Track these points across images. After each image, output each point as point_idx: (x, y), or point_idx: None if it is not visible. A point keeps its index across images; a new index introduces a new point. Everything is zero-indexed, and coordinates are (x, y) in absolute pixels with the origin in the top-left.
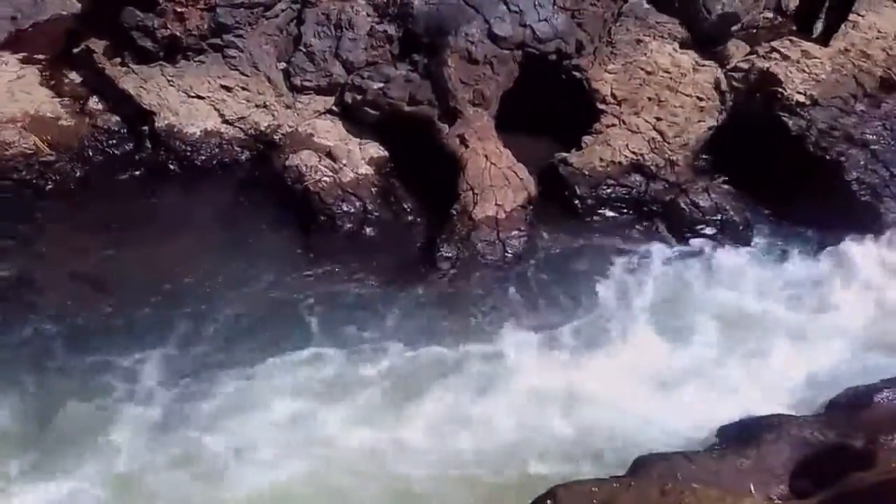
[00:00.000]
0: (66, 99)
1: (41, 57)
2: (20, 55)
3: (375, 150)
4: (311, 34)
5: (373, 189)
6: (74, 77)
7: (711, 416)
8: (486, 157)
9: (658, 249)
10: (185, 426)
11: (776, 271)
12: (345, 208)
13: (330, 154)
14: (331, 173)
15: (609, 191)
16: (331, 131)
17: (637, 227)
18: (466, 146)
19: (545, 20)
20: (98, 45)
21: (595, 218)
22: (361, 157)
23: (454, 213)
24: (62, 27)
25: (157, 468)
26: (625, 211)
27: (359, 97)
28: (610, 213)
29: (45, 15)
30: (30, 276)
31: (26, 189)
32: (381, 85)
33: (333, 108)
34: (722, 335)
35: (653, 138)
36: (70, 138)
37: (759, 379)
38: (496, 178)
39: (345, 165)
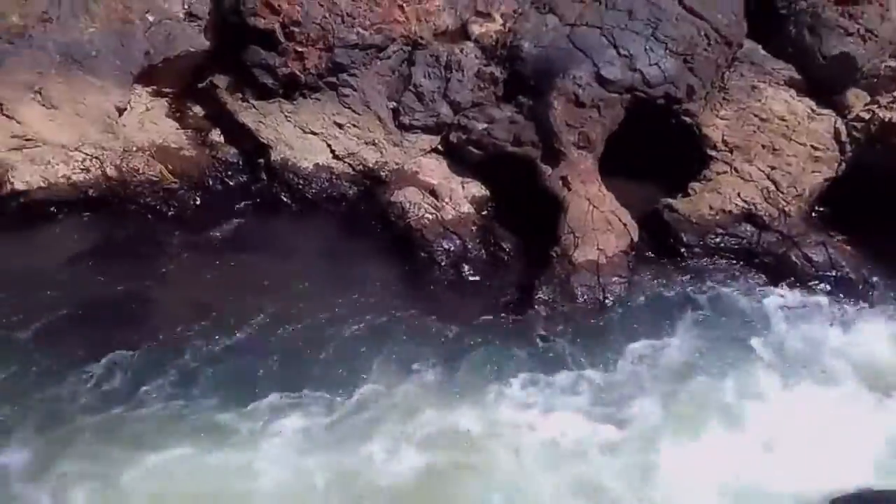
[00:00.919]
0: (189, 130)
1: (169, 90)
2: (150, 88)
3: (477, 189)
4: (421, 74)
5: (473, 228)
6: (198, 110)
7: (822, 483)
8: (588, 200)
9: (767, 304)
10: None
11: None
12: (445, 246)
13: (433, 192)
14: (433, 211)
15: (717, 240)
16: (435, 170)
17: (745, 279)
18: (569, 189)
19: (655, 64)
20: (222, 81)
21: (700, 267)
22: (464, 195)
23: (554, 255)
24: (190, 63)
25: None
26: (733, 261)
27: (464, 137)
28: (716, 263)
29: (175, 51)
30: (144, 295)
31: (149, 214)
32: (486, 125)
33: (439, 146)
34: (835, 398)
35: (766, 187)
36: (191, 168)
37: (873, 449)
38: (598, 221)
39: (447, 203)
